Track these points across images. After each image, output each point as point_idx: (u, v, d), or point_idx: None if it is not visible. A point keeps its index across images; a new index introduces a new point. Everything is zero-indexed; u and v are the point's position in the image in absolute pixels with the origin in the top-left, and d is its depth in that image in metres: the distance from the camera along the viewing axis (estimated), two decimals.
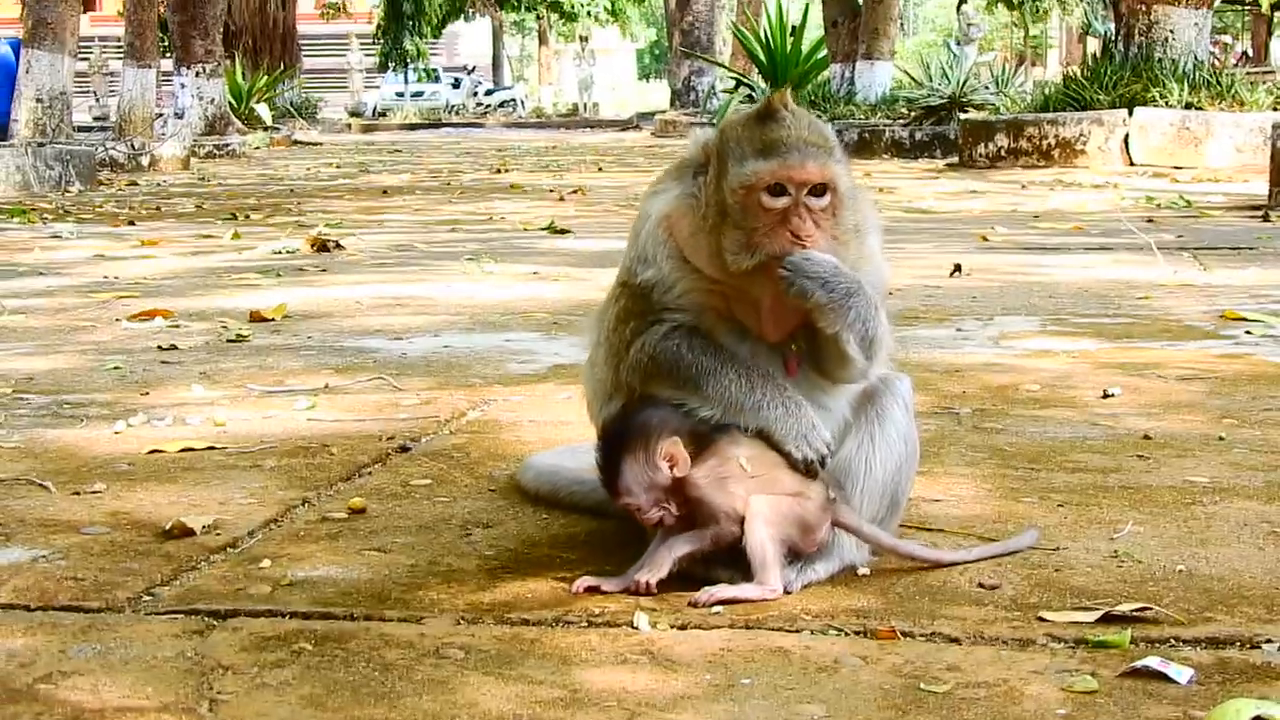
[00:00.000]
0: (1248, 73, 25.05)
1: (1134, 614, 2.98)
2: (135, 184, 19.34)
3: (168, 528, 3.64)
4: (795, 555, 3.22)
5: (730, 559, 3.18)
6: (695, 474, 3.15)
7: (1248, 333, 6.58)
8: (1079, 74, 20.70)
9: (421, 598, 3.16)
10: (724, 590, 3.10)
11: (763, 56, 31.66)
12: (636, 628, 2.96)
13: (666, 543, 3.17)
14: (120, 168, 21.59)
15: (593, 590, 3.17)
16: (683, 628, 2.98)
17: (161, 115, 29.14)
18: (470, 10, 65.97)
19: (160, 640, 2.91)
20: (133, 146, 22.41)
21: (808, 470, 3.18)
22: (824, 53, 32.03)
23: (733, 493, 3.15)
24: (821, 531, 3.23)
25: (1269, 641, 2.85)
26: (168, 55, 32.57)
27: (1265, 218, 12.28)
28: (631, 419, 3.21)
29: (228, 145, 28.14)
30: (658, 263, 3.26)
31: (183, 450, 4.52)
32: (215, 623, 3.01)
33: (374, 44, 60.06)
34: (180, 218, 14.09)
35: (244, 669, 2.76)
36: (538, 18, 72.49)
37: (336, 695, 2.64)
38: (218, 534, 3.64)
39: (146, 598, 3.17)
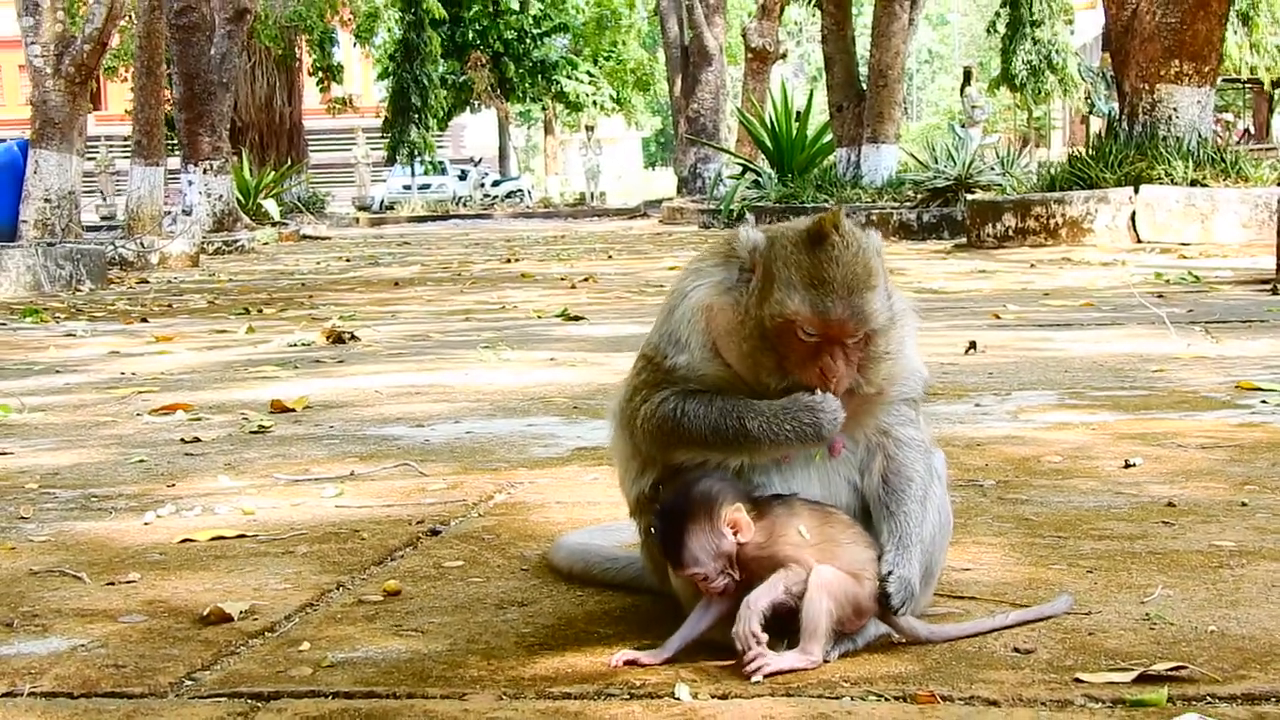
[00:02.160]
0: (1251, 149, 25.25)
1: (1169, 673, 3.02)
2: (146, 281, 19.47)
3: (205, 614, 3.68)
4: (837, 634, 3.26)
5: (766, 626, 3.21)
6: (757, 538, 3.20)
7: (1263, 402, 6.62)
8: (1084, 153, 20.86)
9: (463, 674, 3.20)
10: (771, 663, 3.12)
11: (769, 142, 31.92)
12: (678, 698, 3.00)
13: (747, 601, 3.18)
14: (130, 266, 21.73)
15: (632, 664, 3.20)
16: (724, 697, 3.01)
17: (170, 213, 29.36)
18: (475, 102, 66.42)
19: None
20: (142, 244, 22.55)
21: (818, 441, 3.21)
22: (829, 137, 32.27)
23: (799, 547, 3.19)
24: (868, 619, 3.27)
25: None
26: (175, 153, 32.82)
27: (1274, 291, 12.37)
28: (691, 490, 3.25)
29: (236, 241, 28.32)
30: (690, 350, 3.30)
31: (214, 539, 4.56)
32: (259, 705, 3.05)
33: (380, 137, 60.48)
34: (193, 314, 14.19)
35: None
36: (543, 108, 73.03)
37: None
38: (255, 619, 3.68)
39: (189, 682, 3.21)
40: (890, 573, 3.22)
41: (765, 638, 3.15)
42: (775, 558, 3.20)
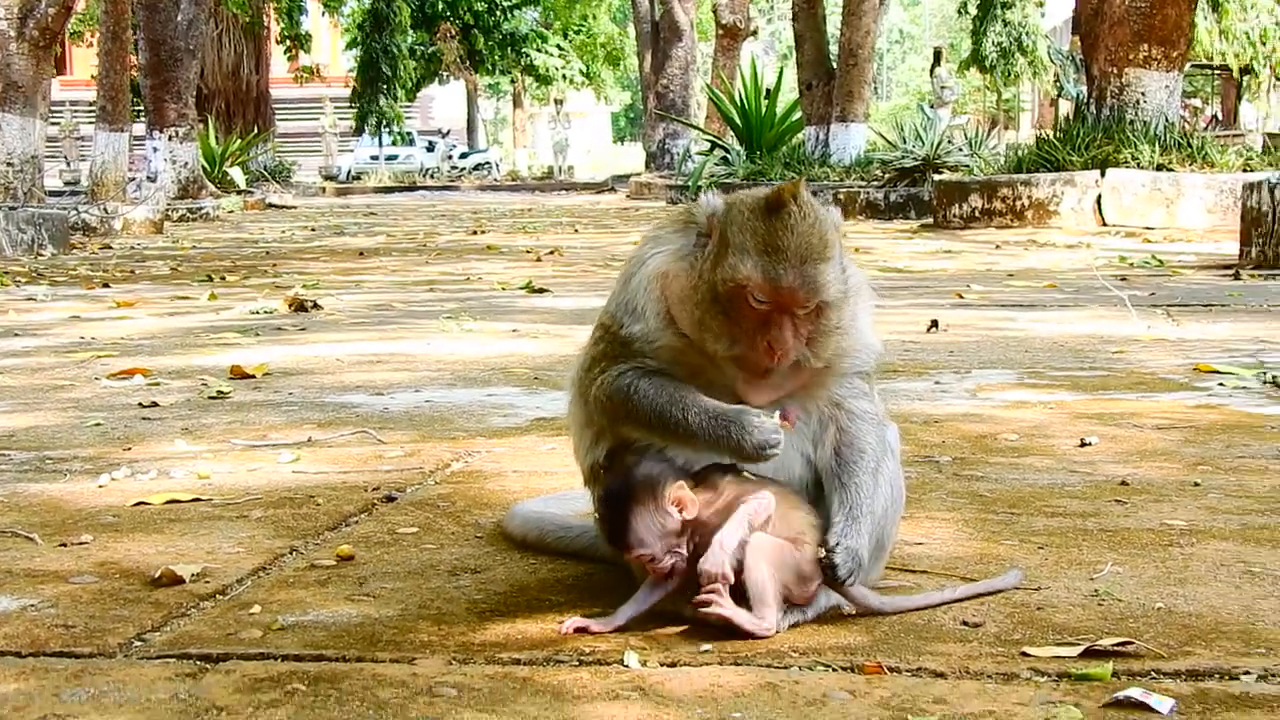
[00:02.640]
0: (1217, 135, 25.34)
1: (1115, 649, 3.04)
2: (109, 247, 19.39)
3: (156, 576, 3.68)
4: (786, 603, 3.28)
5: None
6: (704, 512, 3.22)
7: (1221, 385, 6.66)
8: (1052, 136, 20.91)
9: (413, 639, 3.21)
10: (726, 609, 3.15)
11: (737, 119, 31.93)
12: (627, 665, 3.01)
13: (719, 539, 3.19)
14: (93, 232, 21.64)
15: (582, 631, 3.22)
16: (672, 665, 3.03)
17: (134, 179, 29.23)
18: (444, 74, 66.26)
19: (153, 683, 2.94)
20: (105, 210, 22.46)
21: (760, 456, 3.22)
22: (798, 115, 32.30)
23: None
24: (814, 585, 3.28)
25: (1247, 673, 2.91)
26: (140, 119, 32.68)
27: (1236, 276, 12.43)
28: (633, 472, 3.26)
29: (201, 209, 28.21)
30: (646, 317, 3.32)
31: (168, 502, 4.56)
32: (208, 666, 3.05)
33: (348, 108, 60.30)
34: (155, 280, 14.14)
35: (238, 709, 2.79)
36: (512, 81, 72.89)
37: None
38: (207, 582, 3.68)
39: (138, 643, 3.21)
40: (838, 544, 3.24)
41: (732, 578, 3.17)
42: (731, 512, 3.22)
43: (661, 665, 3.03)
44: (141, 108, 31.63)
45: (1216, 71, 52.59)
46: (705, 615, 3.15)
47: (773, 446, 3.22)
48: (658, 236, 3.41)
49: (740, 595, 3.20)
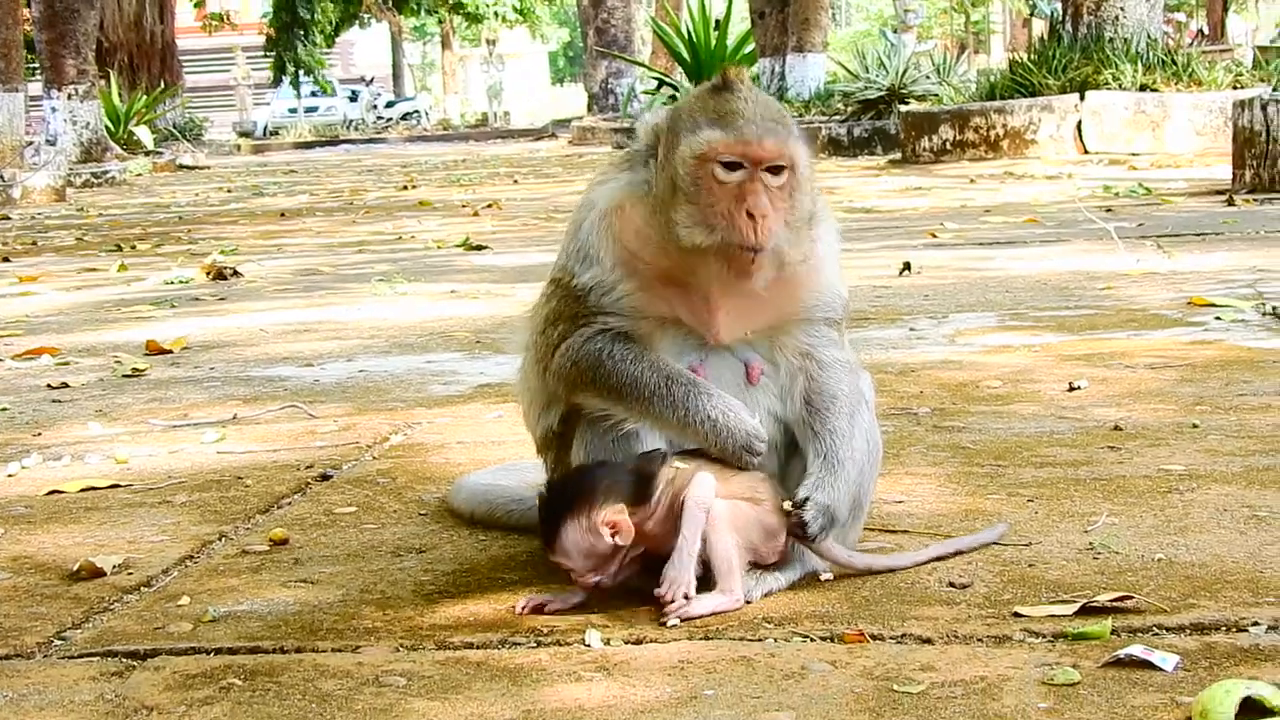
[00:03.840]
0: (1204, 51, 25.38)
1: (1113, 604, 3.07)
2: (7, 218, 19.25)
3: (75, 569, 3.67)
4: (755, 565, 3.29)
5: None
6: (646, 524, 3.22)
7: (1217, 318, 6.70)
8: (1026, 58, 20.93)
9: (355, 626, 3.21)
10: (692, 607, 3.15)
11: (685, 53, 31.88)
12: (589, 644, 3.02)
13: (682, 545, 3.20)
14: None
15: (539, 609, 3.22)
16: (638, 642, 3.04)
17: (32, 143, 29.01)
18: (365, 16, 65.90)
19: (76, 684, 2.94)
20: (2, 178, 22.29)
21: (740, 464, 3.24)
22: (751, 46, 32.26)
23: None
24: (782, 537, 3.30)
25: (1255, 624, 2.94)
26: (36, 77, 32.41)
27: (1229, 201, 12.48)
28: (579, 479, 3.27)
29: (107, 173, 28.04)
30: (600, 260, 3.32)
31: (84, 490, 4.55)
32: (135, 663, 3.05)
33: (263, 57, 59.89)
34: (60, 251, 14.06)
35: (170, 709, 2.79)
36: (439, 21, 72.52)
37: None
38: (130, 573, 3.67)
39: (58, 641, 3.20)
40: (807, 498, 3.25)
41: (694, 591, 3.17)
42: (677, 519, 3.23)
43: (626, 643, 3.04)
44: (36, 65, 31.37)
45: None
46: (669, 622, 3.15)
47: (755, 454, 3.25)
48: (603, 178, 3.43)
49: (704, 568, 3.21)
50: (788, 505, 3.27)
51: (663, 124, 3.31)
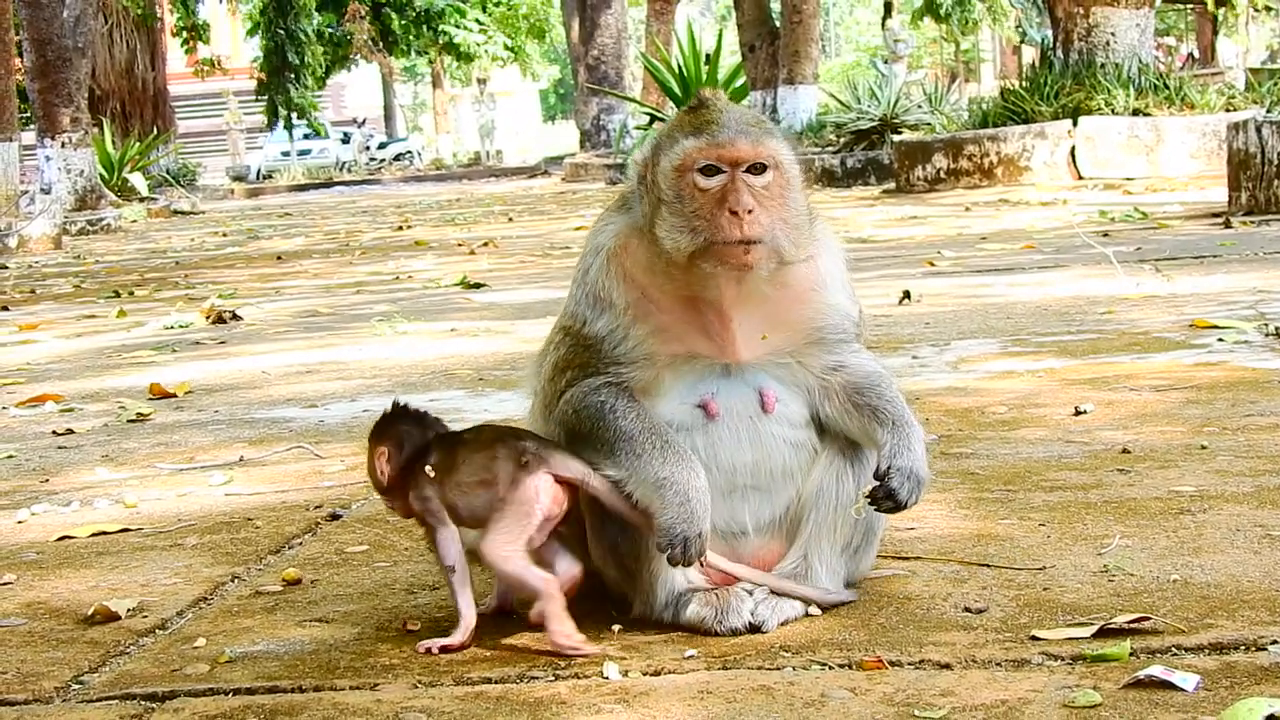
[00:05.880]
0: (1195, 75, 25.48)
1: (1131, 626, 3.07)
2: (4, 267, 19.26)
3: (89, 614, 3.67)
4: (774, 593, 3.30)
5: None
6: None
7: (1220, 340, 6.71)
8: (1018, 85, 20.99)
9: (373, 664, 3.21)
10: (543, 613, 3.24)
11: (676, 88, 31.88)
12: (607, 676, 3.03)
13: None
14: None
15: (446, 650, 3.27)
16: (656, 673, 3.04)
17: (27, 192, 29.02)
18: (356, 57, 65.98)
19: None
20: None
21: (673, 554, 3.22)
22: (742, 79, 32.32)
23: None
24: (534, 503, 3.30)
25: (1274, 643, 2.95)
26: (29, 126, 32.44)
27: (1226, 224, 12.51)
28: (396, 409, 3.49)
29: (102, 220, 28.07)
30: (613, 304, 3.32)
31: (94, 535, 4.55)
32: (154, 705, 3.05)
33: (254, 101, 59.91)
34: (59, 299, 14.06)
35: None
36: (430, 62, 72.62)
37: None
38: (144, 616, 3.68)
39: (76, 686, 3.20)
40: (890, 466, 3.26)
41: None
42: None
43: (645, 674, 3.05)
44: (30, 114, 31.39)
45: (1190, 6, 52.92)
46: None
47: (689, 554, 3.21)
48: (605, 222, 3.46)
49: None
50: (868, 488, 3.29)
51: (647, 154, 3.36)
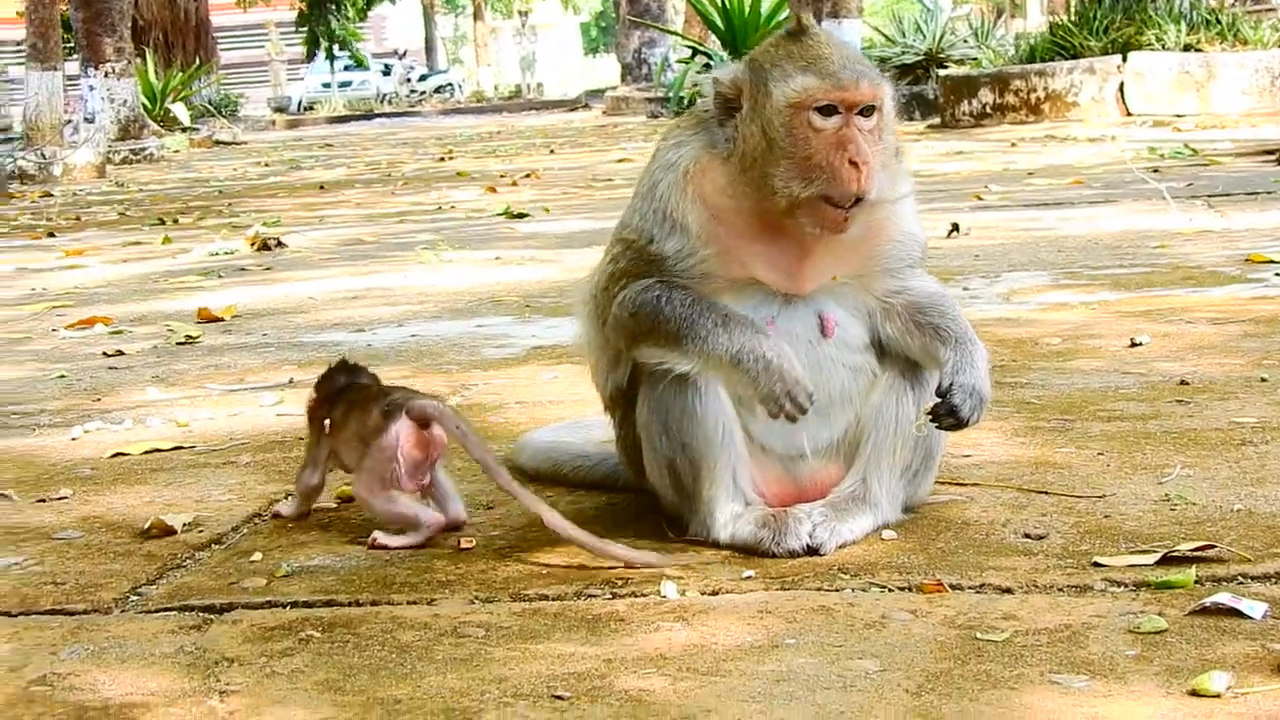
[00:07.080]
0: (1249, 10, 25.21)
1: (1195, 554, 3.05)
2: (49, 195, 19.30)
3: (146, 528, 3.68)
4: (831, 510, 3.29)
5: None
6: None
7: (1277, 275, 6.65)
8: (1066, 20, 20.81)
9: (429, 580, 3.21)
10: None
11: (719, 21, 31.72)
12: (665, 596, 3.02)
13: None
14: (31, 179, 21.51)
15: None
16: (714, 593, 3.03)
17: (71, 121, 29.06)
18: None
19: (155, 637, 2.94)
20: (43, 156, 22.32)
21: (786, 413, 3.19)
22: (786, 13, 32.04)
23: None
24: (394, 448, 3.49)
25: None
26: (73, 56, 32.44)
27: (1279, 161, 12.39)
28: (340, 364, 3.78)
29: (145, 149, 28.09)
30: (686, 226, 3.27)
31: (148, 452, 4.55)
32: (212, 617, 3.05)
33: (296, 32, 59.90)
34: (103, 226, 14.08)
35: (250, 660, 2.80)
36: None
37: (354, 679, 2.68)
38: (200, 531, 3.68)
39: (134, 597, 3.21)
40: (951, 384, 3.24)
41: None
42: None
43: (703, 594, 3.04)
44: (74, 44, 31.40)
45: None
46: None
47: (799, 404, 3.18)
48: (678, 140, 3.38)
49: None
50: (930, 404, 3.27)
51: (741, 75, 3.27)
